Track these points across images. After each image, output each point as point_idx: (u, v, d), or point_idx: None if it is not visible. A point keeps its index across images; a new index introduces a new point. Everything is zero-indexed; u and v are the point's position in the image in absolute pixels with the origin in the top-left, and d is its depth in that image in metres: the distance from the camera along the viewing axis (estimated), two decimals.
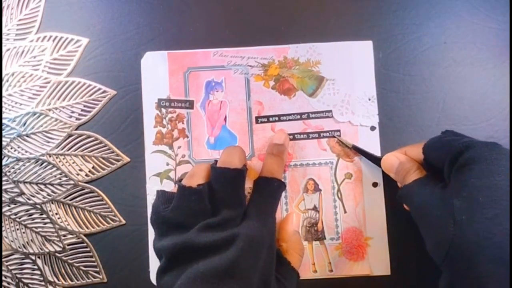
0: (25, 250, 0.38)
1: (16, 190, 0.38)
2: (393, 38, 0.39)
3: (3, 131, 0.38)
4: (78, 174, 0.38)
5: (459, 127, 0.38)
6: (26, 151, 0.38)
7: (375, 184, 0.37)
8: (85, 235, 0.38)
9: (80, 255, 0.38)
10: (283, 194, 0.37)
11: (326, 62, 0.38)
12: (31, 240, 0.38)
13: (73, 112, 0.38)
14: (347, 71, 0.38)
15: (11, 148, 0.38)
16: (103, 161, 0.38)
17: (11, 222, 0.38)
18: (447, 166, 0.28)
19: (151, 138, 0.38)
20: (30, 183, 0.38)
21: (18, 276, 0.38)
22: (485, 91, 0.38)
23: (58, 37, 0.39)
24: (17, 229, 0.38)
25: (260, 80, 0.38)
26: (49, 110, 0.38)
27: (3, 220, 0.38)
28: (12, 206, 0.38)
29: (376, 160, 0.36)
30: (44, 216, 0.38)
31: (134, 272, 0.37)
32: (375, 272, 0.37)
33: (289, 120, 0.38)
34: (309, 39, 0.38)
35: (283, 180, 0.36)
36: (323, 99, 0.38)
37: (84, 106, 0.38)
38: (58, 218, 0.38)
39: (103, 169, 0.38)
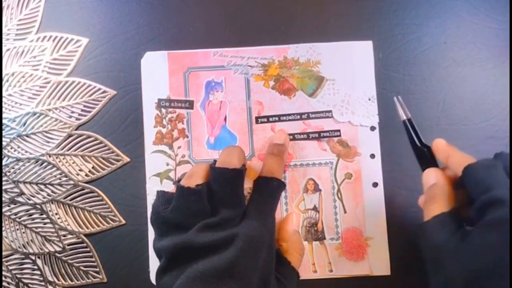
0: (25, 250, 0.38)
1: (16, 190, 0.38)
2: (393, 38, 0.39)
3: (3, 131, 0.38)
4: (78, 174, 0.38)
5: (459, 127, 0.38)
6: (26, 151, 0.38)
7: (375, 184, 0.37)
8: (85, 235, 0.38)
9: (80, 255, 0.38)
10: (283, 194, 0.37)
11: (326, 62, 0.38)
12: (31, 240, 0.38)
13: (73, 112, 0.38)
14: (347, 71, 0.38)
15: (11, 148, 0.38)
16: (103, 161, 0.38)
17: (11, 222, 0.38)
18: (475, 210, 0.26)
19: (151, 138, 0.38)
20: (30, 183, 0.38)
21: (18, 276, 0.38)
22: (485, 91, 0.38)
23: (58, 37, 0.39)
24: (17, 229, 0.38)
25: (260, 80, 0.38)
26: (49, 110, 0.38)
27: (3, 220, 0.38)
28: (12, 206, 0.38)
29: (418, 151, 0.33)
30: (44, 216, 0.38)
31: (134, 272, 0.37)
32: (375, 272, 0.37)
33: (289, 120, 0.38)
34: (309, 39, 0.38)
35: (283, 180, 0.36)
36: (323, 99, 0.38)
37: (84, 106, 0.38)
38: (58, 218, 0.38)
39: (103, 169, 0.38)
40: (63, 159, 0.38)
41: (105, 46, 0.39)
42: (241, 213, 0.31)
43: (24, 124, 0.38)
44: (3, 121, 0.38)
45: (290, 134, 0.38)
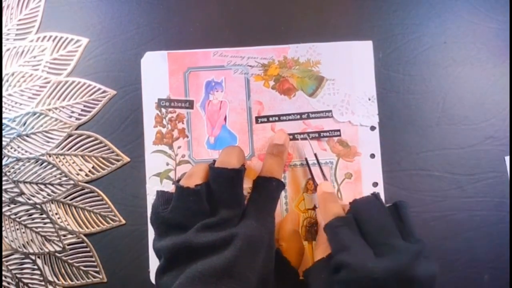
0: (25, 250, 0.38)
1: (16, 190, 0.38)
2: (393, 38, 0.39)
3: (3, 131, 0.38)
4: (78, 174, 0.38)
5: (459, 127, 0.38)
6: (26, 151, 0.38)
7: (375, 184, 0.37)
8: (85, 235, 0.38)
9: (80, 255, 0.38)
10: (283, 194, 0.37)
11: (326, 62, 0.38)
12: (31, 240, 0.38)
13: (73, 112, 0.38)
14: (347, 71, 0.38)
15: (11, 148, 0.38)
16: (103, 161, 0.38)
17: (11, 222, 0.38)
18: (332, 266, 0.29)
19: (151, 138, 0.38)
20: (30, 183, 0.38)
21: (18, 276, 0.38)
22: (485, 91, 0.38)
23: (58, 37, 0.39)
24: (17, 229, 0.38)
25: (260, 80, 0.38)
26: (49, 110, 0.38)
27: (3, 220, 0.38)
28: (12, 206, 0.38)
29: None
30: (44, 216, 0.38)
31: (134, 272, 0.37)
32: None
33: (289, 120, 0.38)
34: (309, 39, 0.38)
35: (282, 180, 0.36)
36: (323, 99, 0.38)
37: (84, 106, 0.38)
38: (58, 218, 0.38)
39: (103, 169, 0.38)
40: (63, 159, 0.38)
41: (105, 46, 0.39)
42: (240, 213, 0.31)
43: (24, 124, 0.38)
44: (3, 121, 0.38)
45: (290, 134, 0.38)
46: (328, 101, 0.38)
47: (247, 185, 0.34)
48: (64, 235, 0.38)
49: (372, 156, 0.38)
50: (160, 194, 0.32)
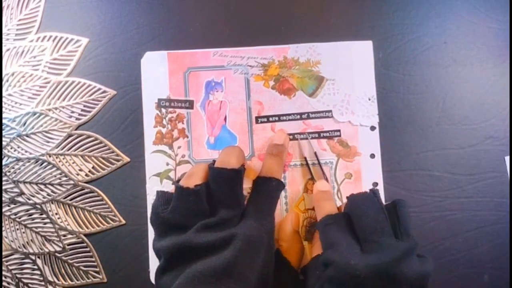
0: (25, 250, 0.38)
1: (16, 190, 0.38)
2: (393, 38, 0.39)
3: (3, 131, 0.38)
4: (78, 174, 0.38)
5: (459, 127, 0.38)
6: (26, 151, 0.38)
7: (375, 184, 0.37)
8: (85, 235, 0.38)
9: (80, 255, 0.38)
10: (283, 194, 0.37)
11: (326, 62, 0.38)
12: (31, 240, 0.38)
13: (73, 112, 0.38)
14: (347, 71, 0.38)
15: (11, 148, 0.38)
16: (103, 161, 0.38)
17: (11, 222, 0.38)
18: (320, 262, 0.30)
19: (151, 138, 0.38)
20: (30, 183, 0.38)
21: (18, 276, 0.38)
22: (485, 91, 0.38)
23: (58, 37, 0.39)
24: (17, 229, 0.38)
25: (260, 80, 0.38)
26: (49, 110, 0.38)
27: (3, 220, 0.38)
28: (12, 206, 0.38)
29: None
30: (44, 216, 0.38)
31: (134, 272, 0.37)
32: None
33: (289, 120, 0.38)
34: (309, 39, 0.38)
35: (282, 180, 0.36)
36: (323, 99, 0.38)
37: (84, 106, 0.38)
38: (58, 218, 0.38)
39: (103, 169, 0.38)
40: (63, 159, 0.38)
41: (105, 46, 0.39)
42: (240, 213, 0.31)
43: (24, 124, 0.38)
44: (3, 121, 0.38)
45: (290, 134, 0.38)
46: (328, 101, 0.38)
47: (247, 185, 0.34)
48: (64, 235, 0.38)
49: (372, 156, 0.38)
50: (160, 194, 0.32)
